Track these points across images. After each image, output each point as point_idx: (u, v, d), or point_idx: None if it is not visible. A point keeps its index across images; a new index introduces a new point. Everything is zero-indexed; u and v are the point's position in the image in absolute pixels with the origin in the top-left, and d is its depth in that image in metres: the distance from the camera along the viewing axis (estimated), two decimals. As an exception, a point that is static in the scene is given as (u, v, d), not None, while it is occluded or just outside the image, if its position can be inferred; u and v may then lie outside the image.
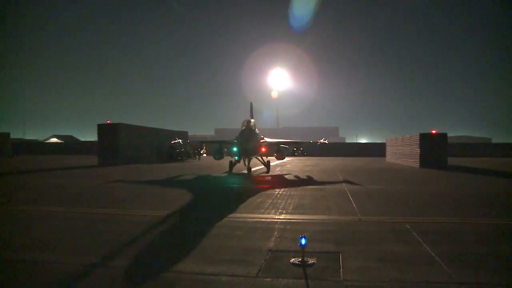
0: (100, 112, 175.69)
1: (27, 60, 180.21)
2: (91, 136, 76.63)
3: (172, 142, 31.44)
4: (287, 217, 9.16)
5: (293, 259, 5.70)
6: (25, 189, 14.89)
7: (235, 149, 20.37)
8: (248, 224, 8.40)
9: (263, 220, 8.92)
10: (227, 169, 23.38)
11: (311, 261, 5.61)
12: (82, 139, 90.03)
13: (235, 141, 19.99)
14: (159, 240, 7.09)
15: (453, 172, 24.70)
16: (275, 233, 7.56)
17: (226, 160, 23.92)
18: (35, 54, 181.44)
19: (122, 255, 6.02)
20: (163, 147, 39.47)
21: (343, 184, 16.77)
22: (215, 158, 24.35)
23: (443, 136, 30.22)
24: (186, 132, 49.83)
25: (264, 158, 23.74)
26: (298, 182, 18.31)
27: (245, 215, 9.47)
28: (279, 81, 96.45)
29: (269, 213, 9.66)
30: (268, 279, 4.99)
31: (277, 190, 14.24)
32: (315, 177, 20.18)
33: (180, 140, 30.79)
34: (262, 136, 22.28)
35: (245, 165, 22.15)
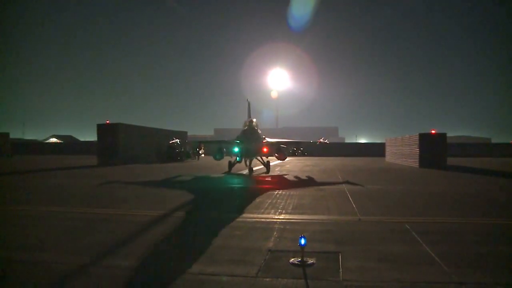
0: (99, 112, 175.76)
1: (26, 60, 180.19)
2: (91, 136, 76.70)
3: (170, 142, 31.38)
4: (286, 217, 9.15)
5: (292, 259, 5.70)
6: (23, 190, 14.87)
7: (236, 149, 20.00)
8: (248, 224, 8.39)
9: (262, 220, 8.92)
10: (226, 169, 23.35)
11: (310, 261, 5.61)
12: (82, 139, 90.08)
13: (237, 141, 19.64)
14: (157, 240, 7.07)
15: (452, 172, 24.71)
16: (275, 233, 7.56)
17: (226, 160, 23.87)
18: (34, 54, 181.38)
19: (121, 255, 6.02)
20: (163, 147, 39.46)
21: (343, 184, 16.77)
22: (216, 159, 24.08)
23: (442, 136, 30.25)
24: (186, 132, 49.82)
25: (264, 158, 23.57)
26: (298, 182, 18.31)
27: (244, 215, 9.46)
28: (279, 81, 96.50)
29: (268, 213, 9.65)
30: (267, 279, 4.98)
31: (277, 190, 14.23)
32: (315, 177, 20.18)
33: (178, 140, 30.72)
34: (264, 136, 22.18)
35: (246, 165, 21.89)
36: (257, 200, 11.84)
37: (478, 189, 15.41)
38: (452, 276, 5.07)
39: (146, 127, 40.04)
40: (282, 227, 8.13)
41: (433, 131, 30.39)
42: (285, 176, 21.06)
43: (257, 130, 20.49)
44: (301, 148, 25.75)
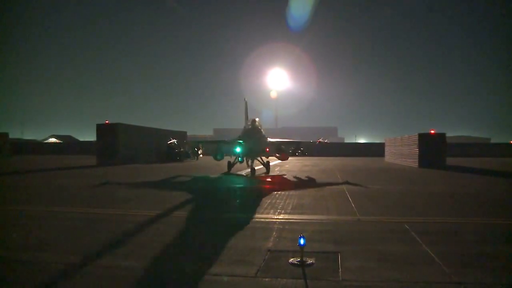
0: (99, 112, 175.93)
1: (25, 59, 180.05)
2: (90, 136, 76.62)
3: (168, 142, 31.30)
4: (285, 217, 9.15)
5: (292, 259, 5.70)
6: (23, 190, 14.85)
7: (238, 149, 19.37)
8: (247, 224, 8.39)
9: (262, 220, 8.91)
10: (225, 169, 23.27)
11: (310, 261, 5.61)
12: (81, 139, 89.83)
13: (240, 141, 19.03)
14: (156, 241, 7.06)
15: (452, 172, 24.73)
16: (274, 233, 7.55)
17: (225, 160, 23.81)
18: (33, 54, 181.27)
19: (118, 255, 6.01)
20: (162, 147, 39.44)
21: (342, 184, 16.77)
22: (217, 159, 23.83)
23: (441, 136, 30.25)
24: (185, 132, 49.79)
25: (264, 158, 23.30)
26: (297, 182, 18.31)
27: (244, 215, 9.46)
28: (278, 81, 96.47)
29: (268, 213, 9.65)
30: (267, 279, 4.98)
31: (276, 190, 14.23)
32: (314, 177, 20.17)
33: (175, 140, 30.64)
34: (267, 136, 21.70)
35: (248, 165, 21.31)
36: (256, 200, 11.83)
37: (477, 189, 15.42)
38: (451, 276, 5.08)
39: (145, 127, 40.00)
40: (281, 227, 8.12)
41: (432, 131, 30.39)
42: (284, 176, 21.05)
43: (260, 129, 20.00)
44: (301, 148, 25.67)
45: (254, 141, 18.63)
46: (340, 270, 5.31)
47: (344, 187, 15.54)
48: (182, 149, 41.00)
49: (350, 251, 6.22)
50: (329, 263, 5.60)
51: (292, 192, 13.69)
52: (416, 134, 30.36)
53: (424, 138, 29.70)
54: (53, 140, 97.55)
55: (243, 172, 22.66)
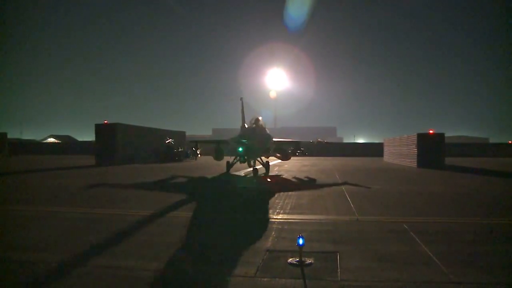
0: (97, 112, 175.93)
1: (24, 59, 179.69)
2: (89, 136, 76.67)
3: (166, 142, 31.23)
4: (284, 217, 9.15)
5: (290, 259, 5.70)
6: (22, 190, 14.83)
7: (240, 149, 18.59)
8: (246, 224, 8.39)
9: (261, 220, 8.91)
10: (224, 170, 23.19)
11: (308, 261, 5.61)
12: (80, 139, 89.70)
13: (244, 140, 18.22)
14: (155, 240, 7.06)
15: (450, 172, 24.77)
16: (273, 233, 7.56)
17: (224, 160, 23.78)
18: (32, 54, 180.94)
19: (119, 255, 6.00)
20: (161, 147, 39.44)
21: (341, 184, 16.78)
22: (217, 159, 23.63)
23: (440, 136, 30.31)
24: (184, 132, 49.78)
25: (264, 158, 22.92)
26: (296, 182, 18.32)
27: (242, 215, 9.46)
28: (277, 81, 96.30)
29: (267, 213, 9.65)
30: (266, 279, 4.98)
31: (275, 190, 14.22)
32: (313, 177, 20.18)
33: (172, 140, 30.57)
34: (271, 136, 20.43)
35: (250, 165, 20.56)
36: (256, 200, 11.84)
37: (476, 189, 15.45)
38: (450, 276, 5.09)
39: (144, 127, 39.97)
40: (280, 227, 8.13)
41: (431, 131, 30.45)
42: (283, 176, 21.05)
43: (265, 128, 19.04)
44: (302, 149, 25.65)
45: (260, 140, 17.78)
46: (339, 270, 5.31)
47: (343, 187, 15.55)
48: (181, 149, 41.00)
49: (349, 251, 6.23)
50: (328, 263, 5.60)
51: (291, 192, 13.68)
52: (415, 134, 30.41)
53: (423, 138, 29.75)
54: (52, 140, 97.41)
55: (242, 172, 22.65)
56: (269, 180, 19.28)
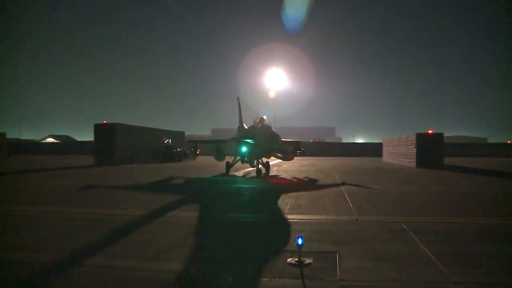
0: (96, 112, 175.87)
1: (23, 59, 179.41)
2: (88, 136, 76.65)
3: (165, 142, 31.20)
4: (284, 217, 9.14)
5: (289, 259, 5.68)
6: (22, 190, 14.80)
7: (245, 149, 18.16)
8: (245, 224, 8.38)
9: (261, 220, 8.90)
10: (224, 170, 23.17)
11: (307, 261, 5.60)
12: (79, 139, 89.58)
13: (250, 140, 17.68)
14: (151, 241, 7.06)
15: (449, 172, 24.81)
16: (273, 233, 7.54)
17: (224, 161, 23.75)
18: (31, 54, 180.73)
19: (118, 255, 6.00)
20: (160, 147, 39.43)
21: (340, 184, 16.79)
22: (218, 159, 23.35)
23: (439, 136, 30.38)
24: (183, 132, 49.76)
25: (264, 158, 22.42)
26: (295, 182, 18.32)
27: (241, 215, 9.45)
28: (276, 81, 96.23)
29: (266, 213, 9.64)
30: (265, 279, 4.97)
31: (274, 190, 14.22)
32: (312, 177, 20.19)
33: (169, 140, 30.55)
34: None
35: (253, 166, 20.33)
36: (255, 200, 11.84)
37: (475, 189, 15.47)
38: (449, 275, 5.09)
39: (143, 127, 39.96)
40: (280, 227, 8.11)
41: (430, 131, 30.51)
42: (282, 176, 21.05)
43: (271, 127, 18.23)
44: (302, 149, 25.66)
45: (269, 139, 16.94)
46: (338, 270, 5.31)
47: (342, 187, 15.56)
48: (180, 149, 40.99)
49: (348, 251, 6.22)
50: (327, 263, 5.59)
51: (290, 192, 13.68)
52: (414, 134, 30.47)
53: (422, 138, 29.82)
54: (50, 140, 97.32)
55: (241, 173, 22.63)
56: (268, 180, 19.27)
